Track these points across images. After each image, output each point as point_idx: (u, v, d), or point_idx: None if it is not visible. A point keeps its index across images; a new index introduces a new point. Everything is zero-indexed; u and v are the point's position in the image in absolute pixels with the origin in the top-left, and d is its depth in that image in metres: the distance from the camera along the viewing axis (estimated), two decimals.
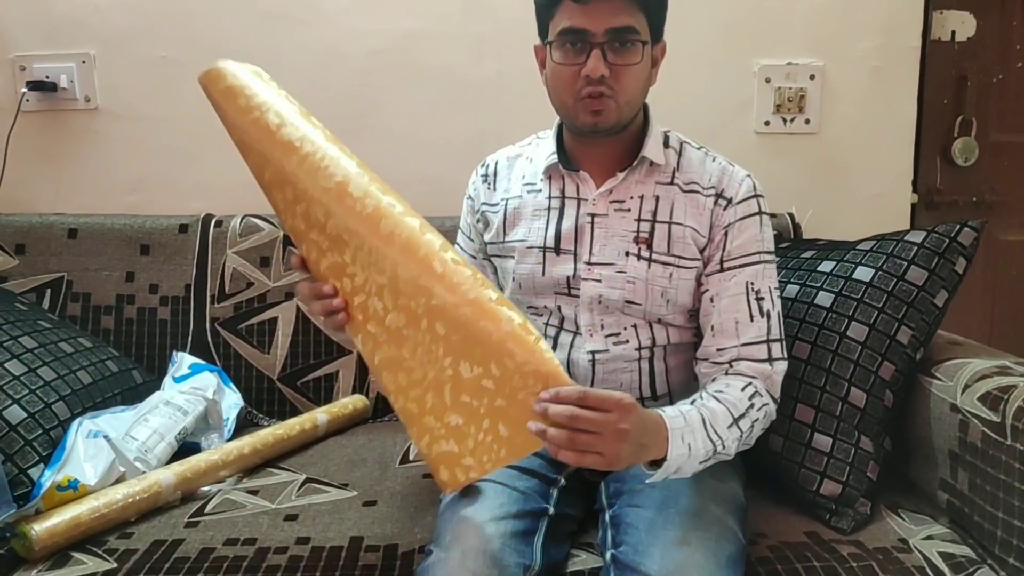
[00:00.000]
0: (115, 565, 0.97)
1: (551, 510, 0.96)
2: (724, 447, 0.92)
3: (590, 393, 0.81)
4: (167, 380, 1.40)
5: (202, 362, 1.44)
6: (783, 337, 1.04)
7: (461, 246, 1.23)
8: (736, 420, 0.94)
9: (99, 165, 1.72)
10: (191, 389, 1.34)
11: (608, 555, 0.91)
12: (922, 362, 1.16)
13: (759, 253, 1.04)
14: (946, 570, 0.97)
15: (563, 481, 1.03)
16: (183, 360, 1.43)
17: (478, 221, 1.18)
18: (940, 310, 1.15)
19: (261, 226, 1.56)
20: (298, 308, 1.52)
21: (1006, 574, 0.96)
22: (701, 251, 1.05)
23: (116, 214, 1.60)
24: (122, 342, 1.50)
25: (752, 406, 0.97)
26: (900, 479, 1.19)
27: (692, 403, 0.95)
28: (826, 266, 1.23)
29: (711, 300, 1.04)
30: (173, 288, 1.54)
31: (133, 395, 1.34)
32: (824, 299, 1.18)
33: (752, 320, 1.02)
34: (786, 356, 1.04)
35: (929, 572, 0.96)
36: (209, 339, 1.51)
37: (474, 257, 1.21)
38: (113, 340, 1.50)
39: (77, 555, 0.99)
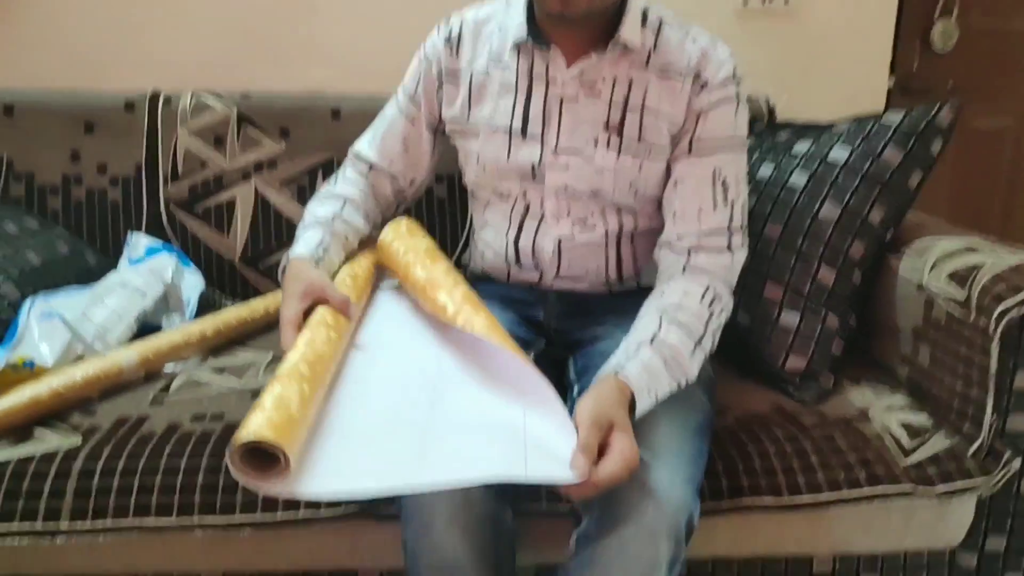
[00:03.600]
0: (79, 441, 0.95)
1: None
2: (688, 379, 0.89)
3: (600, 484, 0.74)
4: (122, 262, 1.34)
5: (159, 243, 1.38)
6: (745, 226, 1.01)
7: (399, 106, 1.12)
8: (698, 341, 0.91)
9: (34, 37, 1.58)
10: (148, 271, 1.29)
11: None
12: (891, 242, 1.16)
13: (731, 138, 0.99)
14: (903, 436, 1.01)
15: (532, 355, 1.02)
16: (139, 241, 1.37)
17: (439, 88, 1.09)
18: (913, 191, 1.14)
19: (212, 104, 1.47)
20: (257, 190, 1.46)
21: (960, 439, 1.00)
22: (673, 138, 1.00)
23: (55, 89, 1.48)
24: (71, 224, 1.43)
25: (712, 314, 0.94)
26: (863, 355, 1.22)
27: (651, 341, 0.88)
28: (801, 147, 1.21)
29: (675, 184, 1.00)
30: (123, 168, 1.45)
31: (87, 277, 1.29)
32: (798, 180, 1.16)
33: (715, 208, 0.98)
34: (746, 245, 1.00)
35: (885, 438, 1.00)
36: (164, 221, 1.45)
37: (411, 123, 1.12)
38: (62, 222, 1.42)
39: (41, 429, 0.97)
